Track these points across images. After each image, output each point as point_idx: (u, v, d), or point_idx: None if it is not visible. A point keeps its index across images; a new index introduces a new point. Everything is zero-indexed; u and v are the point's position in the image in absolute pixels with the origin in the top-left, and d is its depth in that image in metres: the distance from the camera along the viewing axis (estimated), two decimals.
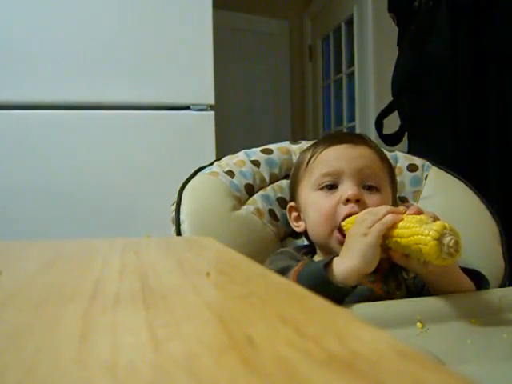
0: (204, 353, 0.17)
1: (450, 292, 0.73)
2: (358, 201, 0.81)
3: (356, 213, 0.78)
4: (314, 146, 0.91)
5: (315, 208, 0.84)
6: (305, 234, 0.91)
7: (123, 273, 0.33)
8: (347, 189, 0.81)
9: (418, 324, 0.68)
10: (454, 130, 1.63)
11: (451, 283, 0.73)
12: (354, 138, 0.90)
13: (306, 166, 0.88)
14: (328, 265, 0.69)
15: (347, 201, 0.81)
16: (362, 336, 0.17)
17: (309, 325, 0.19)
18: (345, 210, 0.80)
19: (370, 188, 0.84)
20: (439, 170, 1.06)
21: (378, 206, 0.83)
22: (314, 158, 0.87)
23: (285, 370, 0.15)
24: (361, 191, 0.82)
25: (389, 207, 0.72)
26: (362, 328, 0.18)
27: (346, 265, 0.69)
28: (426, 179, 1.03)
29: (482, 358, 0.60)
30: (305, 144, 1.06)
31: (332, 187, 0.83)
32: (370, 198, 0.82)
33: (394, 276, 0.81)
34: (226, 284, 0.29)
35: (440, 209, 0.99)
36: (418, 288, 0.82)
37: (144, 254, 0.42)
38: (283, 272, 0.73)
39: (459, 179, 1.04)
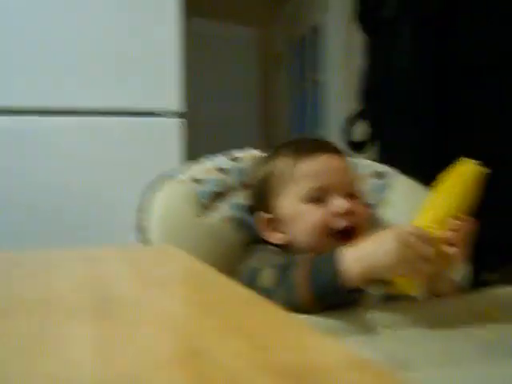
0: (150, 366, 0.17)
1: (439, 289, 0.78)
2: (350, 212, 0.85)
3: (350, 227, 0.83)
4: (292, 155, 0.90)
5: (308, 220, 0.85)
6: (281, 245, 0.90)
7: (81, 284, 0.32)
8: (339, 203, 0.85)
9: (383, 330, 0.69)
10: (419, 138, 1.66)
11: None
12: (328, 147, 0.93)
13: (286, 177, 0.88)
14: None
15: (342, 214, 0.84)
16: (317, 347, 0.17)
17: (265, 335, 0.19)
18: (340, 222, 0.84)
19: (351, 197, 0.88)
20: (403, 177, 1.07)
21: (363, 213, 0.87)
22: (295, 168, 0.88)
23: (232, 382, 0.14)
24: (349, 203, 0.85)
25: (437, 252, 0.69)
26: (319, 339, 0.18)
27: (362, 266, 0.68)
28: (389, 186, 1.05)
29: (445, 363, 0.61)
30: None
31: (319, 199, 0.86)
32: (355, 206, 0.86)
33: None
34: (186, 294, 0.28)
35: (403, 215, 1.00)
36: None
37: (104, 263, 0.42)
38: (287, 267, 0.72)
39: (422, 186, 1.06)
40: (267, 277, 0.72)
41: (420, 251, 0.67)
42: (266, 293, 0.71)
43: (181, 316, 0.24)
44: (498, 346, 0.64)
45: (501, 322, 0.70)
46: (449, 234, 0.71)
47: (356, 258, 0.68)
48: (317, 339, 0.18)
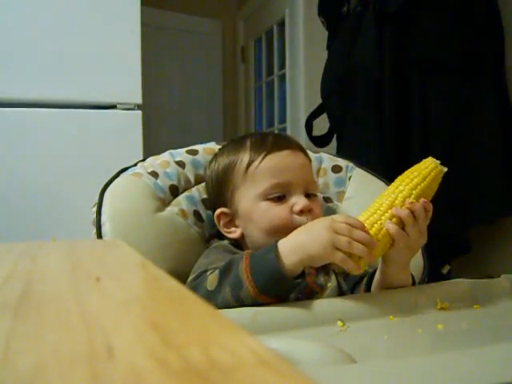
0: (54, 366, 0.16)
1: (396, 281, 0.79)
2: (309, 210, 0.84)
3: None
4: (251, 149, 0.88)
5: (267, 218, 0.84)
6: (238, 239, 0.90)
7: (9, 279, 0.31)
8: (299, 200, 0.84)
9: (339, 322, 0.69)
10: (379, 132, 1.68)
11: (400, 272, 0.79)
12: (288, 143, 0.91)
13: (246, 172, 0.87)
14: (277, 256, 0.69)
15: (301, 212, 0.84)
16: (228, 344, 0.17)
17: (179, 332, 0.18)
18: (300, 220, 0.83)
19: (310, 195, 0.87)
20: (362, 171, 1.08)
21: (319, 211, 0.87)
22: (255, 164, 0.86)
23: (134, 382, 0.14)
24: (309, 201, 0.85)
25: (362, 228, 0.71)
26: (232, 335, 0.17)
27: (298, 256, 0.69)
28: (349, 180, 1.05)
29: (396, 354, 0.62)
30: None
31: (278, 197, 0.85)
32: (314, 204, 0.86)
33: (323, 268, 0.82)
34: (113, 289, 0.27)
35: (363, 209, 1.01)
36: (351, 281, 0.85)
37: (41, 258, 0.40)
38: (228, 266, 0.71)
39: (382, 180, 1.07)
40: (211, 279, 0.72)
41: (352, 236, 0.69)
42: (211, 295, 0.71)
43: (100, 312, 0.23)
44: (449, 337, 0.65)
45: (452, 314, 0.72)
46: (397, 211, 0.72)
47: (291, 249, 0.69)
48: (231, 335, 0.17)
